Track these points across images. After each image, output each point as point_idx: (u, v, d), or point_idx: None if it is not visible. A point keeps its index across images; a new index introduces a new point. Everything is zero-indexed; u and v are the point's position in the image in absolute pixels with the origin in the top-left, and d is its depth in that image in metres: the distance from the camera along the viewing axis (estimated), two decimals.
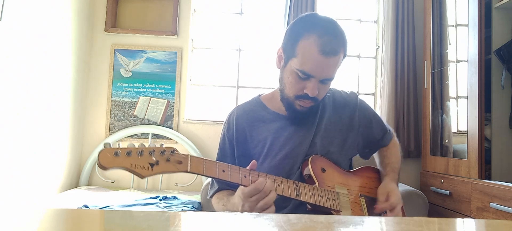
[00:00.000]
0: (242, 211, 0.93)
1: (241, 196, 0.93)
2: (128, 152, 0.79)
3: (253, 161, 0.96)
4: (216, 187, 1.17)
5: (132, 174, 2.64)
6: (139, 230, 0.48)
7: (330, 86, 1.14)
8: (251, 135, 1.15)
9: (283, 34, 1.12)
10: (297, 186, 0.99)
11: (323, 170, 1.10)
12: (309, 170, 1.08)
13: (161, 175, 2.55)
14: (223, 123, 1.23)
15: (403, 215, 1.22)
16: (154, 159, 0.81)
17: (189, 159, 0.86)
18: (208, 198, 1.21)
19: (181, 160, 0.85)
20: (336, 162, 1.16)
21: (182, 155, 0.86)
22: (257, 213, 0.60)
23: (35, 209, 0.57)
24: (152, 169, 0.81)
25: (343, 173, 1.16)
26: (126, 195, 2.20)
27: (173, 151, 0.84)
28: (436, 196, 2.28)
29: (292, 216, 0.57)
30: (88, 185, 2.52)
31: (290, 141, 1.13)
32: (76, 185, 2.52)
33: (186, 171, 0.85)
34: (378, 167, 1.30)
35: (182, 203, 1.98)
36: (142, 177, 0.80)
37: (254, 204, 0.90)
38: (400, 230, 0.54)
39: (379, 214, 1.16)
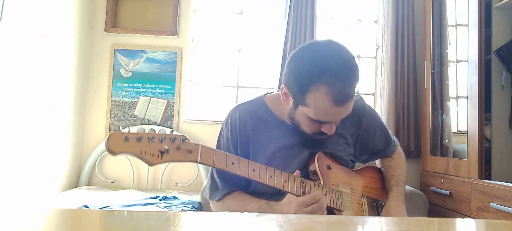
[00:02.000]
0: None
1: (295, 204, 0.93)
2: (139, 138, 0.77)
3: (297, 170, 0.99)
4: (224, 190, 1.13)
5: (132, 175, 2.62)
6: (139, 230, 0.48)
7: None
8: (253, 139, 1.12)
9: (286, 69, 1.03)
10: (303, 183, 1.00)
11: (329, 168, 1.11)
12: (315, 166, 1.09)
13: (161, 175, 2.55)
14: (223, 122, 1.18)
15: None
16: (165, 146, 0.80)
17: (200, 149, 0.85)
18: (215, 200, 1.15)
19: (191, 149, 0.84)
20: (341, 162, 1.16)
21: (192, 144, 0.84)
22: (257, 213, 0.59)
23: (36, 209, 0.57)
24: (161, 157, 0.79)
25: (347, 172, 1.16)
26: (126, 195, 2.20)
27: (184, 139, 0.83)
28: (436, 196, 2.28)
29: (292, 216, 0.57)
30: (88, 185, 2.52)
31: (293, 150, 1.11)
32: (76, 185, 2.52)
33: (195, 161, 0.84)
34: (383, 174, 1.27)
35: (182, 203, 1.98)
36: (151, 164, 0.79)
37: (309, 213, 0.91)
38: (400, 230, 0.54)
39: (378, 214, 1.16)
